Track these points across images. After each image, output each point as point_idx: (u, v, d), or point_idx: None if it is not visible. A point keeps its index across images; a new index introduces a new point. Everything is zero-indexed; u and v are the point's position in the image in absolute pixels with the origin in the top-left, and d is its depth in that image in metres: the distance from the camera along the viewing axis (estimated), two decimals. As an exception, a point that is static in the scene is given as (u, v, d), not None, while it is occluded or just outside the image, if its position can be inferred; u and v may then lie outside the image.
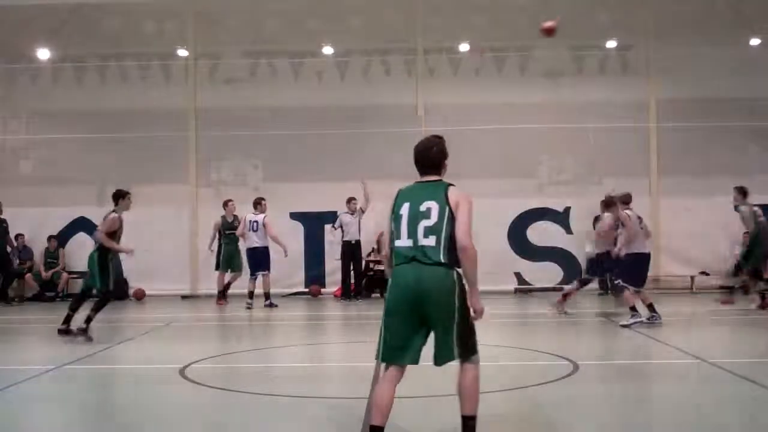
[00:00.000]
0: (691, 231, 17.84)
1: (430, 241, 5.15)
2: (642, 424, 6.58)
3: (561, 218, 18.55)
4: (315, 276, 18.51)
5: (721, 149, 18.37)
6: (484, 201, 17.11)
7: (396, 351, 5.21)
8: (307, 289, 18.39)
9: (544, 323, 13.51)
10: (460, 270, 5.20)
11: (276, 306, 15.77)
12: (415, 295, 5.13)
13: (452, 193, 5.25)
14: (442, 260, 5.14)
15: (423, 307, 5.14)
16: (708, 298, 16.11)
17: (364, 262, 17.77)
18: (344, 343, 11.91)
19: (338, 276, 17.62)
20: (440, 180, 5.38)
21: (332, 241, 17.93)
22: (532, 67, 18.98)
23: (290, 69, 19.34)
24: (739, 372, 8.18)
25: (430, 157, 5.39)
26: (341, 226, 17.25)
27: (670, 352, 9.89)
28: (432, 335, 5.24)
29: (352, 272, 17.37)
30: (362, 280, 17.68)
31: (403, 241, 5.22)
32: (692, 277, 17.90)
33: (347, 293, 17.31)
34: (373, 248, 17.93)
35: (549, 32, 9.36)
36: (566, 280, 17.09)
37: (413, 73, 19.22)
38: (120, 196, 11.31)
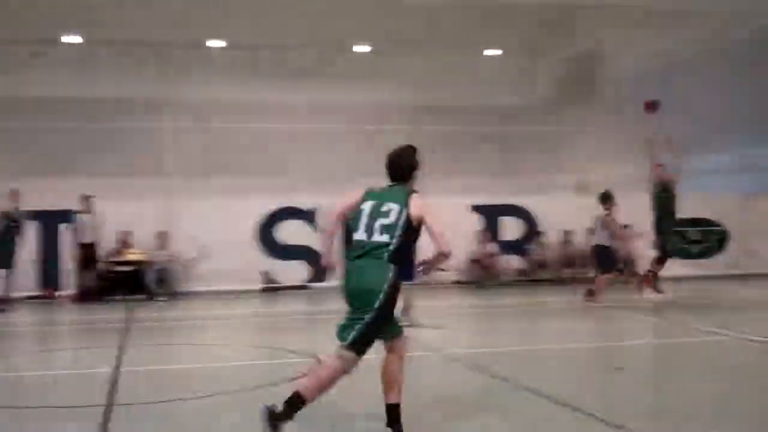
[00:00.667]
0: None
1: (384, 238, 5.64)
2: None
3: (309, 217, 18.78)
4: (49, 278, 17.19)
5: (454, 151, 19.63)
6: (232, 198, 17.22)
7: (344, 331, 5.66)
8: (43, 293, 17.06)
9: (291, 321, 13.64)
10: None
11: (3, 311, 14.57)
12: (357, 285, 5.63)
13: (414, 201, 5.79)
14: (387, 258, 5.62)
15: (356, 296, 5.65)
16: (449, 292, 17.08)
17: (102, 264, 16.75)
18: (74, 350, 11.21)
19: (73, 278, 16.54)
20: (404, 186, 5.95)
21: (69, 241, 16.76)
22: (283, 67, 19.09)
23: (28, 58, 18.02)
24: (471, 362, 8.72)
25: (399, 165, 6.04)
26: (75, 228, 16.23)
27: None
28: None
29: (88, 274, 16.35)
30: (100, 282, 16.65)
31: (360, 235, 5.69)
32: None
33: (83, 297, 16.25)
34: (117, 249, 16.97)
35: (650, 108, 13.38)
36: (316, 278, 17.32)
37: (162, 66, 18.60)
38: None
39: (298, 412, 5.47)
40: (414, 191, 5.91)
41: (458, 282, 18.45)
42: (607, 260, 14.01)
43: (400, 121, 19.01)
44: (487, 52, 21.22)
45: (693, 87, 20.95)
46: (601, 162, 19.44)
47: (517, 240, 18.89)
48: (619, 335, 11.28)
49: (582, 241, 18.15)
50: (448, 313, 14.28)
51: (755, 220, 19.83)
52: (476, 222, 18.66)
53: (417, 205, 5.77)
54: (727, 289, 17.23)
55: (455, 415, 6.54)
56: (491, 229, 18.64)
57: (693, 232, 19.74)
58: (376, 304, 5.54)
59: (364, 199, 5.90)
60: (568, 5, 21.32)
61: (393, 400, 5.73)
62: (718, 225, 19.92)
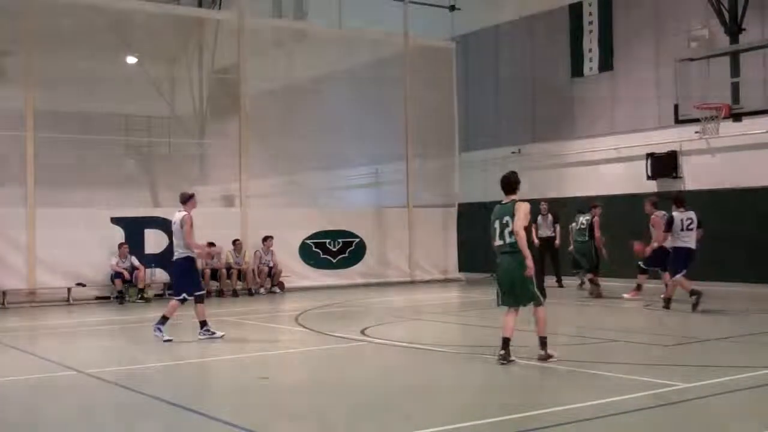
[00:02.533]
0: (68, 242, 17.69)
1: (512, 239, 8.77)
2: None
3: None
4: None
5: (98, 161, 18.77)
6: None
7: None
8: None
9: None
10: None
11: None
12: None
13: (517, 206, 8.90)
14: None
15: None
16: (85, 309, 16.27)
17: None
18: None
19: None
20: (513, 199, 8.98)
21: None
22: None
23: None
24: (116, 381, 8.44)
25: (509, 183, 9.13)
26: None
27: (45, 366, 9.65)
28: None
29: None
30: None
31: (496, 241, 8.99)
32: (69, 289, 17.81)
33: None
34: None
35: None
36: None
37: None
38: None
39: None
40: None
41: (99, 297, 17.68)
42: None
43: (25, 127, 17.55)
44: (128, 60, 20.68)
45: (327, 106, 22.35)
46: (247, 175, 19.81)
47: (162, 253, 18.52)
48: (271, 346, 11.51)
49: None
50: (76, 330, 13.58)
51: (386, 231, 21.60)
52: (118, 234, 18.00)
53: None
54: (365, 296, 18.46)
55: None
56: (134, 242, 18.08)
57: (333, 244, 20.93)
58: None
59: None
60: (206, 19, 21.61)
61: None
62: (358, 236, 21.35)
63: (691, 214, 13.79)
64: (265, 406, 7.39)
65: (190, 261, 11.28)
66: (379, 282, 21.04)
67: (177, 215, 11.29)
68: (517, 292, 8.88)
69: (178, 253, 11.19)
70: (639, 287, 15.81)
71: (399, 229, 21.95)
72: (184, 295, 11.22)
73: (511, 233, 8.76)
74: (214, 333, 11.30)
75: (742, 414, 6.70)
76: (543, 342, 8.93)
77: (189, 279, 11.32)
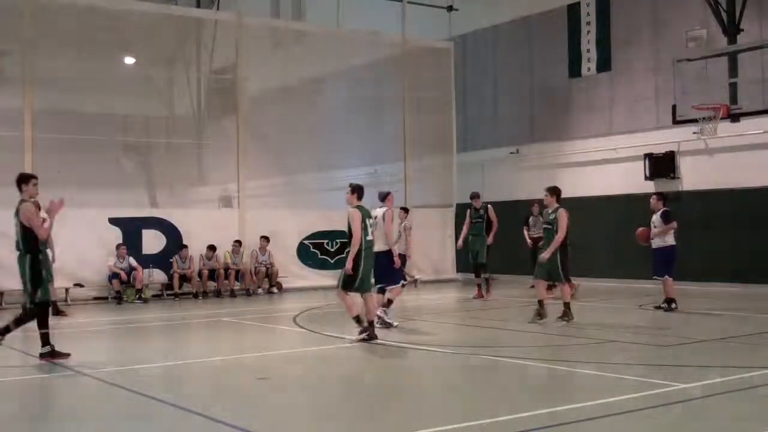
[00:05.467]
0: (65, 243, 17.62)
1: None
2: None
3: None
4: None
5: (96, 161, 18.75)
6: None
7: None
8: None
9: None
10: None
11: None
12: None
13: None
14: None
15: None
16: (83, 310, 16.25)
17: None
18: None
19: None
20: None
21: None
22: None
23: None
24: (115, 381, 8.43)
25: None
26: None
27: (44, 366, 9.62)
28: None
29: None
30: None
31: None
32: (67, 290, 17.78)
33: None
34: None
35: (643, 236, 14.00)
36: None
37: None
38: None
39: None
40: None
41: (97, 298, 17.66)
42: None
43: (23, 127, 17.50)
44: (126, 60, 20.67)
45: (326, 106, 22.38)
46: (245, 175, 19.79)
47: (160, 253, 18.52)
48: (270, 346, 11.50)
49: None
50: (84, 330, 13.56)
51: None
52: (115, 235, 17.98)
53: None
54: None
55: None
56: (132, 243, 18.05)
57: (331, 244, 20.92)
58: None
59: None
60: (204, 19, 21.62)
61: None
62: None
63: None
64: (264, 407, 7.38)
65: (390, 254, 12.14)
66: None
67: (378, 211, 12.14)
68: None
69: (378, 246, 11.72)
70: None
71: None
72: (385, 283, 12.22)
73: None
74: (390, 323, 12.11)
75: (743, 414, 6.69)
76: (358, 320, 10.70)
77: (388, 271, 12.12)
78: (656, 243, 13.92)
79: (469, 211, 17.03)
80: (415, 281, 19.52)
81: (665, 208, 14.07)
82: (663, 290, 14.00)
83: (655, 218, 14.02)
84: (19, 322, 9.88)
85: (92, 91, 18.83)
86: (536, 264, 12.69)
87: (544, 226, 12.86)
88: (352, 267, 10.61)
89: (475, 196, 16.96)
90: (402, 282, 12.73)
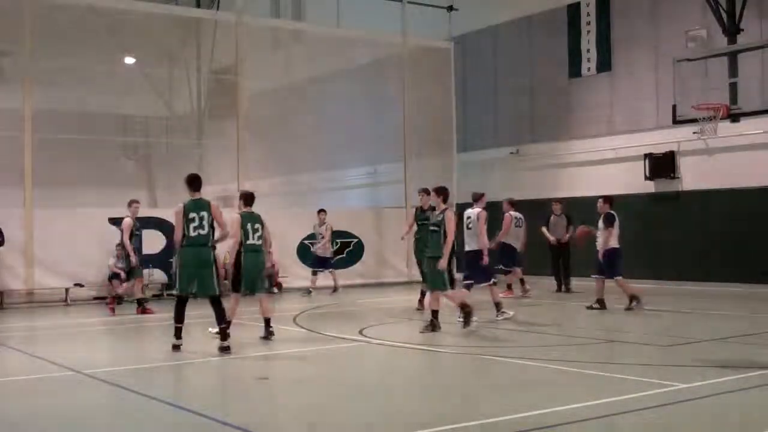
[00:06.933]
0: (66, 243, 17.67)
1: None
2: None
3: None
4: None
5: (96, 161, 18.75)
6: None
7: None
8: None
9: None
10: None
11: None
12: None
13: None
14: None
15: None
16: (83, 310, 16.24)
17: None
18: None
19: None
20: None
21: None
22: None
23: None
24: (115, 381, 8.43)
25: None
26: None
27: (44, 366, 9.63)
28: None
29: None
30: None
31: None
32: (67, 290, 17.79)
33: None
34: None
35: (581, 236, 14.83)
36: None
37: None
38: None
39: None
40: None
41: (97, 298, 17.65)
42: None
43: (24, 127, 17.45)
44: (126, 60, 20.68)
45: (326, 106, 22.37)
46: (245, 175, 19.78)
47: (160, 253, 18.50)
48: (270, 346, 11.49)
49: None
50: (80, 330, 13.56)
51: (385, 231, 21.58)
52: (115, 235, 17.94)
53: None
54: (363, 297, 18.44)
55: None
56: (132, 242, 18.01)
57: (332, 244, 20.87)
58: None
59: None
60: (204, 19, 21.61)
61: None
62: (356, 237, 21.33)
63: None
64: (264, 407, 7.38)
65: (480, 253, 12.65)
66: (377, 282, 21.02)
67: (472, 211, 12.90)
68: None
69: (470, 246, 12.68)
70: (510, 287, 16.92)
71: (397, 230, 21.88)
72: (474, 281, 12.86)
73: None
74: (506, 313, 12.80)
75: (743, 414, 6.69)
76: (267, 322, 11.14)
77: (479, 269, 12.74)
78: (600, 245, 14.01)
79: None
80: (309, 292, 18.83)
81: (609, 211, 14.11)
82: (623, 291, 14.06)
83: (600, 221, 14.12)
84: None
85: (92, 91, 18.85)
86: (429, 275, 11.94)
87: (431, 228, 11.84)
88: (233, 265, 11.19)
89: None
90: (493, 279, 13.07)
